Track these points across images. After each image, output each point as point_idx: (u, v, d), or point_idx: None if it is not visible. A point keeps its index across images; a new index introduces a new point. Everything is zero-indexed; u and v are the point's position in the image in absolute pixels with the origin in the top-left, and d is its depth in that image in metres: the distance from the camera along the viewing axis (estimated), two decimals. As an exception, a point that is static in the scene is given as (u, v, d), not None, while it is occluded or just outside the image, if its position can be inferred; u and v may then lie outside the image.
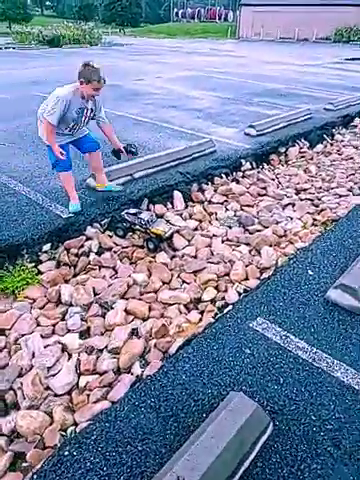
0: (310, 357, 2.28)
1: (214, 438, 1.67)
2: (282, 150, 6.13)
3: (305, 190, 5.00)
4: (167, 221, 4.19)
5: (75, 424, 2.17)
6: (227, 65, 16.10)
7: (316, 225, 4.16)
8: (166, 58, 18.66)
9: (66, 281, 3.34)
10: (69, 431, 2.12)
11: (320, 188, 5.11)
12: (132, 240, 3.86)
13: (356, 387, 2.11)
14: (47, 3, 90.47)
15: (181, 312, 2.98)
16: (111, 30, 43.16)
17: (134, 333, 2.78)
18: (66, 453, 1.82)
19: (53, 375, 2.48)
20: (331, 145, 6.90)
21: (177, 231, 3.89)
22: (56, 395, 2.36)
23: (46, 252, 3.52)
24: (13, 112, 7.36)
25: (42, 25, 30.27)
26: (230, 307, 2.83)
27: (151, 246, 3.65)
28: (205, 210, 4.43)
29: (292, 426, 1.89)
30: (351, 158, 6.22)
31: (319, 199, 4.75)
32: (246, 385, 2.10)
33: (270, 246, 3.69)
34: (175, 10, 55.81)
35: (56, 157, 3.46)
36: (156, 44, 29.89)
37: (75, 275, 3.43)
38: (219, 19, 51.30)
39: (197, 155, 5.34)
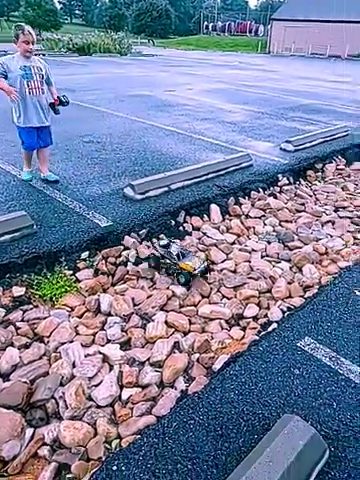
0: (364, 382, 2.19)
1: (272, 462, 1.62)
2: (319, 166, 6.04)
3: (344, 208, 4.91)
4: (204, 234, 4.17)
5: (119, 437, 2.14)
6: (259, 79, 16.13)
7: (358, 244, 4.05)
8: (196, 70, 18.84)
9: (104, 290, 3.34)
10: (114, 444, 2.09)
11: (359, 206, 5.00)
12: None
13: None
14: (76, 12, 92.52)
15: (223, 328, 2.93)
16: (140, 40, 43.87)
17: (175, 346, 2.75)
18: (114, 468, 1.79)
19: (95, 386, 2.46)
20: (368, 163, 6.76)
21: (215, 246, 3.82)
22: (98, 406, 2.33)
23: (84, 260, 3.53)
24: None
25: (71, 33, 30.83)
26: (274, 325, 2.76)
27: (182, 280, 3.36)
28: (243, 224, 4.38)
29: (349, 453, 1.81)
30: (390, 176, 6.08)
31: (359, 217, 4.64)
32: (297, 407, 2.03)
33: (312, 264, 3.61)
34: (205, 23, 56.50)
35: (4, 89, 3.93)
36: (186, 56, 30.24)
37: (113, 284, 3.43)
38: (250, 33, 51.52)
39: (234, 168, 5.31)
